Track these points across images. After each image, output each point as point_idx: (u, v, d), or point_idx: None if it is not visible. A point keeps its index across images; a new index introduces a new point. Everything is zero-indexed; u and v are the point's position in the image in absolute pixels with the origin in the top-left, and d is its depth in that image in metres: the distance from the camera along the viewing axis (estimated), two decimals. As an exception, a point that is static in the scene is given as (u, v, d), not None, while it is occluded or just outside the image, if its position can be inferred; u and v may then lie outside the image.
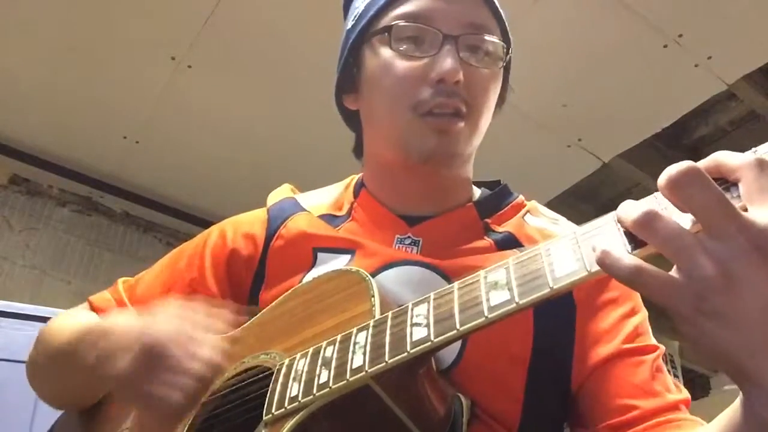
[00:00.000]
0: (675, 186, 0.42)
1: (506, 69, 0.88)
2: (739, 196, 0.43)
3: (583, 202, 3.37)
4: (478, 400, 0.68)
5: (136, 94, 2.73)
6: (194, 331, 0.68)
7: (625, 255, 0.43)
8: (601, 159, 3.01)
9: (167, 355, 0.65)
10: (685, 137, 3.11)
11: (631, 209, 0.44)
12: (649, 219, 0.43)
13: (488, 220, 0.83)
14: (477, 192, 0.90)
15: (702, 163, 0.44)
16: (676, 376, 4.06)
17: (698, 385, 4.39)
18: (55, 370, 0.83)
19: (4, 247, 3.04)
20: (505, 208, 0.85)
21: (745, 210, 0.42)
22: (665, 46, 2.45)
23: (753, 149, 0.45)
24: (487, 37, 0.81)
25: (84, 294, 0.95)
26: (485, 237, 0.81)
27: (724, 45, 2.44)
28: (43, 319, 1.49)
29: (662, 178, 0.43)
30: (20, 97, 2.77)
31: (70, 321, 0.85)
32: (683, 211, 0.43)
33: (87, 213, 3.34)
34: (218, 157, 3.07)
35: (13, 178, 3.15)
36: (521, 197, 0.88)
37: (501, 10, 0.86)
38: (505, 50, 0.83)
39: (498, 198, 0.87)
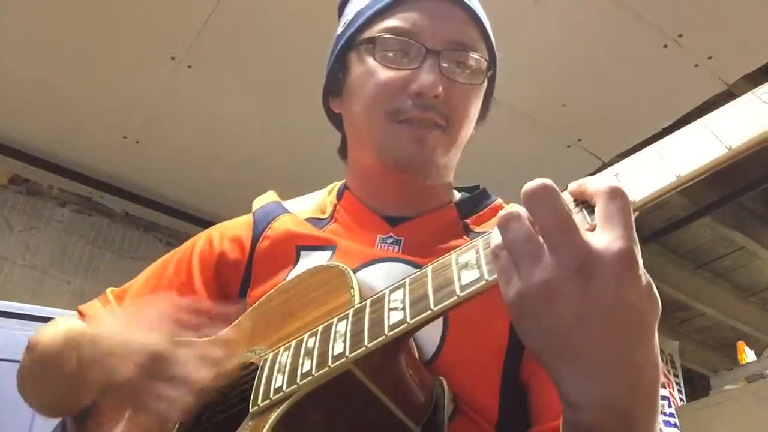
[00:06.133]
0: (525, 200, 0.46)
1: (490, 83, 0.90)
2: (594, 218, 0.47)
3: (582, 203, 3.36)
4: (458, 392, 0.68)
5: (136, 94, 2.73)
6: (187, 346, 0.69)
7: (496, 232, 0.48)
8: (601, 159, 3.00)
9: (169, 367, 0.66)
10: (685, 137, 3.11)
11: (510, 207, 0.47)
12: (507, 219, 0.47)
13: (468, 221, 0.85)
14: (457, 195, 0.92)
15: (571, 186, 0.49)
16: (676, 375, 4.05)
17: (698, 385, 4.38)
18: (41, 375, 0.84)
19: (4, 247, 3.04)
20: (484, 210, 0.88)
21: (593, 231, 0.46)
22: (665, 46, 2.45)
23: (616, 174, 0.49)
24: (470, 54, 0.83)
25: (84, 294, 0.95)
26: (465, 237, 0.83)
27: (724, 45, 2.44)
28: (43, 319, 1.49)
29: (522, 191, 0.47)
30: (20, 97, 2.77)
31: (56, 328, 0.85)
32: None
33: (87, 213, 3.34)
34: (218, 157, 3.07)
35: (13, 178, 3.15)
36: (500, 200, 0.91)
37: (488, 29, 0.88)
38: (487, 66, 0.84)
39: (477, 200, 0.90)
